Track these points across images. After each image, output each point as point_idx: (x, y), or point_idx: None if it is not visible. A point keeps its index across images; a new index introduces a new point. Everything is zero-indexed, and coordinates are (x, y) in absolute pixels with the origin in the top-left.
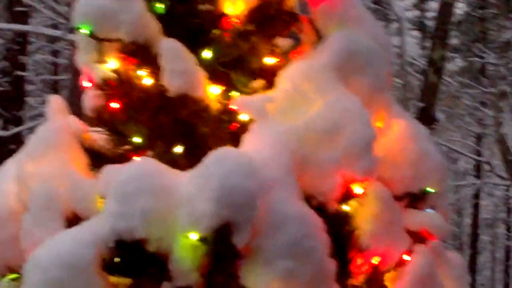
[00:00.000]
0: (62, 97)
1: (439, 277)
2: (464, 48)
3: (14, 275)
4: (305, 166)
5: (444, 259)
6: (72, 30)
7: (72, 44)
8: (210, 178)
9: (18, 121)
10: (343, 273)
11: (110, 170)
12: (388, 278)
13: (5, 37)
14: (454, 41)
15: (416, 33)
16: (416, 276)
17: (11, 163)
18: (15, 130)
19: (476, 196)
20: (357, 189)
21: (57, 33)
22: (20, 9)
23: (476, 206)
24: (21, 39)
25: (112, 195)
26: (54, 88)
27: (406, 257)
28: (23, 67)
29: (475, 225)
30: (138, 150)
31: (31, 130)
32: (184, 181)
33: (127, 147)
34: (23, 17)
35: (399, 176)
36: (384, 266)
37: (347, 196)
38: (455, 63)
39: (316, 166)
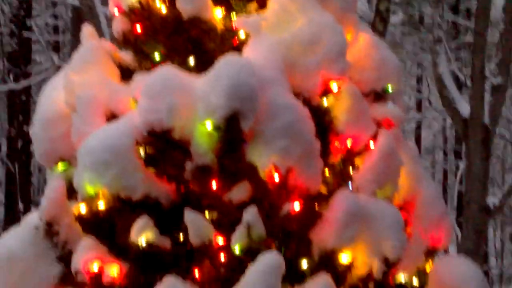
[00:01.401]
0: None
1: (399, 154)
2: (404, 2)
3: (64, 164)
4: (293, 69)
5: (402, 143)
6: None
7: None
8: (221, 78)
9: (27, 75)
10: (325, 152)
11: (139, 77)
12: (358, 158)
13: (12, 5)
14: None
15: None
16: (382, 151)
17: (57, 77)
18: (24, 83)
19: (418, 128)
20: (334, 86)
21: None
22: None
23: (418, 137)
24: (26, 5)
25: (143, 94)
26: (56, 47)
27: (372, 143)
28: (29, 29)
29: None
30: (158, 64)
31: (39, 83)
32: (200, 81)
33: (149, 63)
34: None
35: (366, 77)
36: (355, 148)
37: (326, 92)
38: (397, 16)
39: (302, 69)
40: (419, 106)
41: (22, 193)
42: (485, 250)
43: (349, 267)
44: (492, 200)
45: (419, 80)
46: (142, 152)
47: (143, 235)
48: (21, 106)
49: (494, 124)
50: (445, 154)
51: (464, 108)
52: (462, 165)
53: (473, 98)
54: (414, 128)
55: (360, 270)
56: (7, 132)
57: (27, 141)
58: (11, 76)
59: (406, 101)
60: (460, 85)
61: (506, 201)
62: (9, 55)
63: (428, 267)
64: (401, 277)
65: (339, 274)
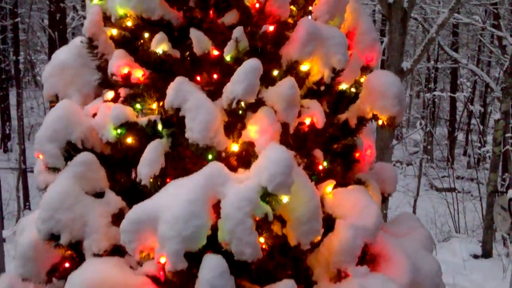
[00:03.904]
0: None
1: None
2: None
3: None
4: None
5: None
6: None
7: None
8: None
9: None
10: None
11: None
12: None
13: None
14: None
15: None
16: None
17: None
18: None
19: None
20: None
21: None
22: None
23: None
24: None
25: None
26: None
27: None
28: None
29: None
30: None
31: None
32: None
33: None
34: None
35: None
36: None
37: None
38: None
39: None
40: None
41: None
42: None
43: (307, 74)
44: (405, 65)
45: None
46: None
47: (160, 46)
48: None
49: (410, 8)
50: None
51: None
52: (385, 39)
53: None
54: None
55: (315, 77)
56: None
57: None
58: None
59: None
60: None
61: (415, 66)
62: None
63: (362, 79)
64: (343, 86)
65: (300, 78)
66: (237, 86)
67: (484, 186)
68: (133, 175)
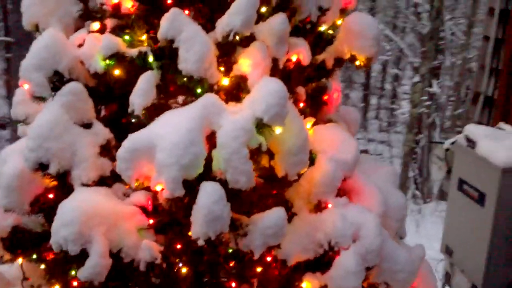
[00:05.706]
0: None
1: None
2: None
3: None
4: None
5: None
6: None
7: None
8: None
9: None
10: None
11: None
12: None
13: None
14: None
15: None
16: None
17: None
18: None
19: None
20: None
21: None
22: None
23: None
24: None
25: None
26: None
27: None
28: None
29: None
30: None
31: None
32: None
33: None
34: None
35: None
36: None
37: None
38: None
39: None
40: None
41: None
42: None
43: (295, 12)
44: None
45: None
46: None
47: None
48: None
49: None
50: None
51: None
52: None
53: None
54: None
55: (302, 15)
56: None
57: None
58: None
59: None
60: None
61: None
62: None
63: (339, 22)
64: (321, 28)
65: (288, 16)
66: (234, 18)
67: (393, 149)
68: (115, 108)
